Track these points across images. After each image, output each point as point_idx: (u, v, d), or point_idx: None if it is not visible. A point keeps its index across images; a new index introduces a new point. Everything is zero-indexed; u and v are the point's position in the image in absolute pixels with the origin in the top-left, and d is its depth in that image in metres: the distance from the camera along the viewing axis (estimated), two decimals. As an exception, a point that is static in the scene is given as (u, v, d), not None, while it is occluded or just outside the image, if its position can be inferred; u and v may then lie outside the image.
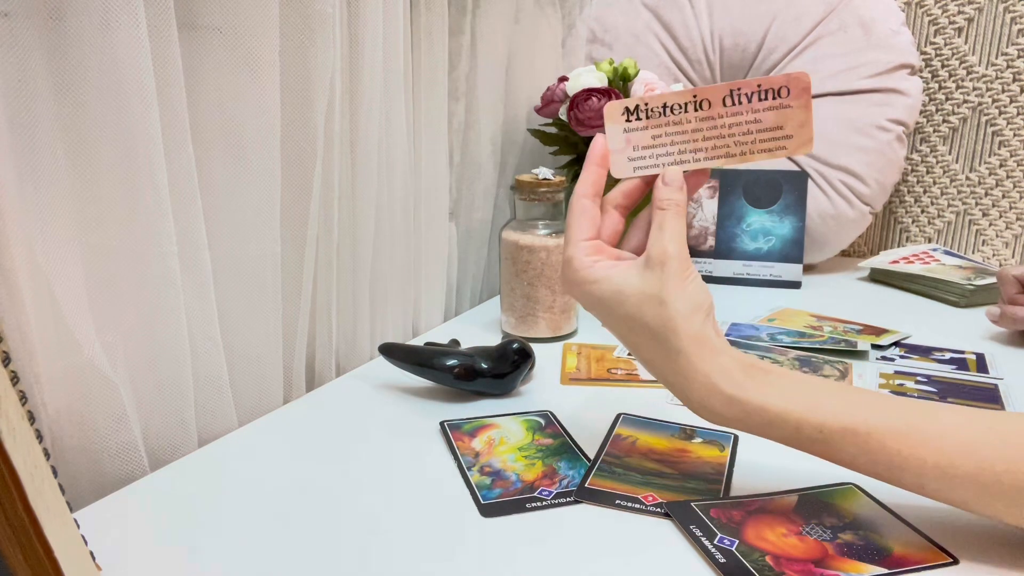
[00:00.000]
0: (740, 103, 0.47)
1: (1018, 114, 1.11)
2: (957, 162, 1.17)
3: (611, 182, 0.50)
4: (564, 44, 1.14)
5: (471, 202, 0.95)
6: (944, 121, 1.17)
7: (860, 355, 0.77)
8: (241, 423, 0.61)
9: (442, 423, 0.60)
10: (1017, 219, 1.15)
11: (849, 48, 1.08)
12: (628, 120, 0.49)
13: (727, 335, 0.82)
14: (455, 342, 0.71)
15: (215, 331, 0.59)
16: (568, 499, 0.49)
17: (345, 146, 0.70)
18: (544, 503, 0.49)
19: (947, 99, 1.16)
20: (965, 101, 1.15)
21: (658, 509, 0.48)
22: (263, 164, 0.60)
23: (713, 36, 1.13)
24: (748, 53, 1.12)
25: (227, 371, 0.60)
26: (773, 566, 0.42)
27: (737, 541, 0.44)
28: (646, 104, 0.48)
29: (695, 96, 0.48)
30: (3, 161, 0.44)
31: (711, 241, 1.07)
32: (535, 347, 0.69)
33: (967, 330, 0.86)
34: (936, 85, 1.16)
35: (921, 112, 1.16)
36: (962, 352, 0.78)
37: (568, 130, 0.97)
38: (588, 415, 0.62)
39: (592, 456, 0.55)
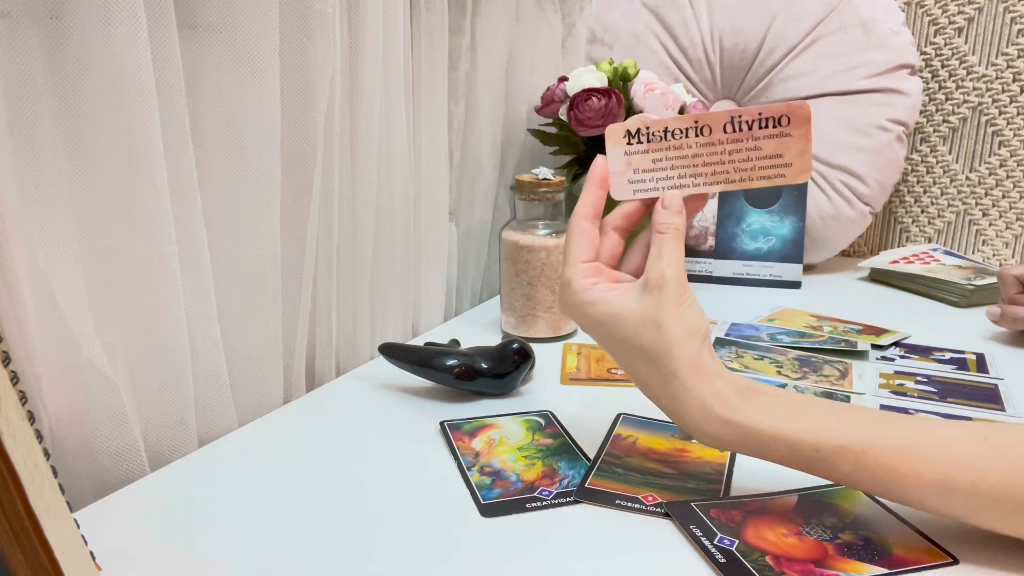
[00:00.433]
0: (740, 130, 0.48)
1: (1018, 114, 1.11)
2: (957, 162, 1.17)
3: (611, 204, 0.50)
4: (564, 44, 1.14)
5: (471, 202, 0.95)
6: (944, 121, 1.17)
7: (860, 355, 0.77)
8: (241, 423, 0.61)
9: (442, 423, 0.60)
10: (1017, 219, 1.15)
11: (849, 48, 1.08)
12: (629, 143, 0.49)
13: (727, 335, 0.82)
14: (455, 342, 0.71)
15: (215, 331, 0.59)
16: (568, 499, 0.49)
17: (345, 146, 0.70)
18: (544, 503, 0.49)
19: (947, 99, 1.16)
20: (965, 101, 1.15)
21: (658, 509, 0.48)
22: (263, 164, 0.60)
23: (713, 36, 1.13)
24: (748, 53, 1.12)
25: (227, 371, 0.60)
26: (773, 566, 0.42)
27: (737, 541, 0.44)
28: (647, 128, 0.49)
29: (696, 122, 0.48)
30: (3, 161, 0.44)
31: (711, 241, 1.07)
32: (535, 347, 0.69)
33: (967, 330, 0.86)
34: (936, 85, 1.16)
35: (921, 112, 1.16)
36: (962, 352, 0.78)
37: (568, 130, 0.97)
38: (588, 415, 0.62)
39: (592, 456, 0.55)
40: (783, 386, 0.68)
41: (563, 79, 0.96)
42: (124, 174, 0.50)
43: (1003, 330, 0.84)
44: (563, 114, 0.96)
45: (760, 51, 1.11)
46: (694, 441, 0.57)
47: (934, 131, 1.18)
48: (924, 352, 0.78)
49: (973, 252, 1.18)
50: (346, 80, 0.68)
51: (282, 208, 0.63)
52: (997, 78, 1.12)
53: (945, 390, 0.68)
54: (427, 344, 0.68)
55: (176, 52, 0.52)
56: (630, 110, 0.95)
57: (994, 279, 0.93)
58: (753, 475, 0.52)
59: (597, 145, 0.95)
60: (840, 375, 0.71)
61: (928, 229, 1.21)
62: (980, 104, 1.14)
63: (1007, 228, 1.15)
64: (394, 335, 0.81)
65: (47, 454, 0.33)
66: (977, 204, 1.17)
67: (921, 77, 1.12)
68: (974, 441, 0.42)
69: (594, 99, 0.91)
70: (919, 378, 0.71)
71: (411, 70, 0.79)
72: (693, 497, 0.49)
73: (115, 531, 0.45)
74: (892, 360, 0.76)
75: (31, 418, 0.32)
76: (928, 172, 1.19)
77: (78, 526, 0.35)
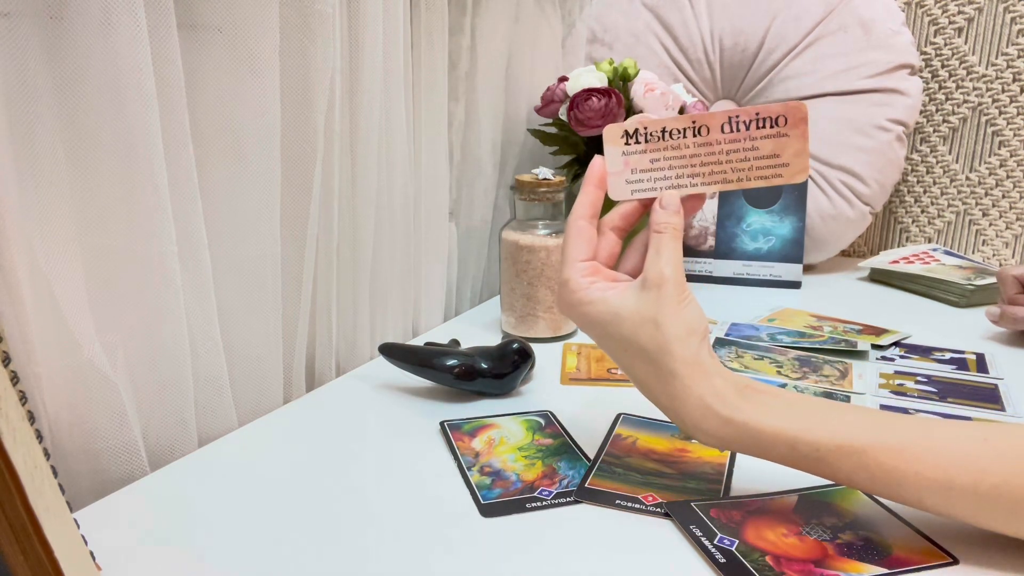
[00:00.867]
0: (738, 130, 0.48)
1: (1018, 114, 1.11)
2: (957, 162, 1.17)
3: (608, 204, 0.50)
4: (564, 44, 1.14)
5: (471, 202, 0.95)
6: (944, 121, 1.17)
7: (860, 355, 0.77)
8: (241, 423, 0.61)
9: (442, 423, 0.60)
10: (1017, 219, 1.15)
11: (849, 48, 1.08)
12: (627, 143, 0.49)
13: (727, 335, 0.82)
14: (455, 342, 0.71)
15: (215, 331, 0.59)
16: (568, 499, 0.49)
17: (345, 146, 0.70)
18: (544, 503, 0.49)
19: (947, 99, 1.16)
20: (965, 101, 1.15)
21: (658, 509, 0.48)
22: (263, 164, 0.60)
23: (713, 36, 1.13)
24: (748, 53, 1.12)
25: (227, 371, 0.60)
26: (773, 566, 0.42)
27: (737, 541, 0.44)
28: (645, 128, 0.49)
29: (694, 122, 0.48)
30: (3, 161, 0.44)
31: (711, 241, 1.07)
32: (535, 347, 0.69)
33: (967, 330, 0.86)
34: (936, 85, 1.16)
35: (921, 112, 1.16)
36: (962, 352, 0.78)
37: (568, 130, 0.97)
38: (588, 415, 0.62)
39: (592, 456, 0.55)
40: (783, 386, 0.68)
41: (563, 79, 0.96)
42: (124, 174, 0.50)
43: (1003, 330, 0.84)
44: (563, 114, 0.96)
45: (760, 51, 1.11)
46: (694, 441, 0.57)
47: (934, 131, 1.18)
48: (924, 352, 0.78)
49: (973, 252, 1.18)
50: (346, 80, 0.68)
51: (282, 208, 0.63)
52: (997, 78, 1.12)
53: (945, 390, 0.68)
54: (427, 344, 0.68)
55: (176, 52, 0.52)
56: (630, 110, 0.95)
57: (994, 279, 0.93)
58: (753, 475, 0.52)
59: (597, 145, 0.95)
60: (840, 375, 0.71)
61: (928, 229, 1.21)
62: (980, 104, 1.14)
63: (1007, 228, 1.15)
64: (394, 335, 0.81)
65: (47, 454, 0.33)
66: (977, 204, 1.17)
67: (921, 77, 1.12)
68: (974, 441, 0.42)
69: (594, 99, 0.91)
70: (919, 378, 0.71)
71: (411, 70, 0.79)
72: (693, 497, 0.49)
73: (115, 531, 0.45)
74: (892, 360, 0.76)
75: (31, 418, 0.32)
76: (928, 172, 1.19)
77: (78, 526, 0.35)
